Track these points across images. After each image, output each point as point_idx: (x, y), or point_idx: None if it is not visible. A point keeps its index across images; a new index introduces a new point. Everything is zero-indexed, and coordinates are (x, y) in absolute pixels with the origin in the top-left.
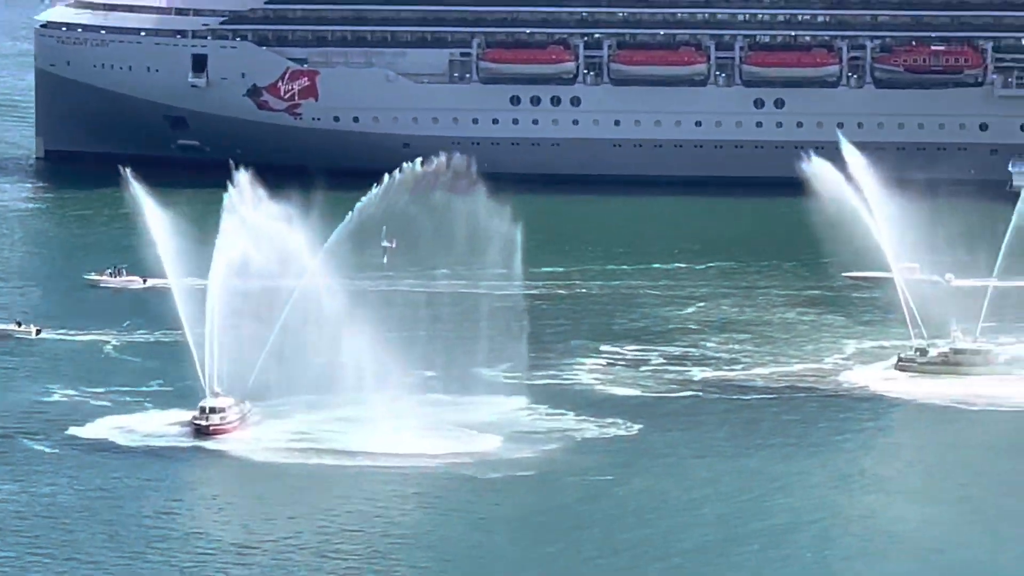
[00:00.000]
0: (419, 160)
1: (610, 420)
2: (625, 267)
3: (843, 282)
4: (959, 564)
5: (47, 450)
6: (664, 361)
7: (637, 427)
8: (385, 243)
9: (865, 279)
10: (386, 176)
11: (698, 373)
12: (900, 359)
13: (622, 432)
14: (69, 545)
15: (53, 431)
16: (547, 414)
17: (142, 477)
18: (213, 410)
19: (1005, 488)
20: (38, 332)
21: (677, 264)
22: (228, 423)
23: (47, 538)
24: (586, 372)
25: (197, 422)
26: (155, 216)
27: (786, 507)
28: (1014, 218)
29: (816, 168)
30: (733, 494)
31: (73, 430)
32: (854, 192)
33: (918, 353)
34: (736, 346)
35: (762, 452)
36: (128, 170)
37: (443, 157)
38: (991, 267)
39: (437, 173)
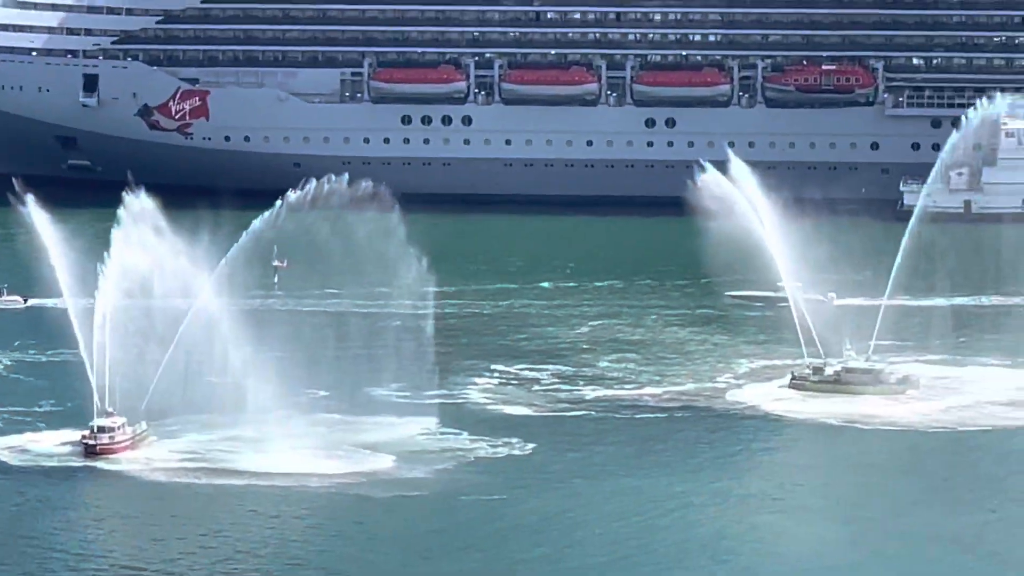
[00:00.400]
0: (322, 181)
1: (503, 439)
2: (517, 286)
3: (732, 301)
4: None
5: None
6: (557, 380)
7: (530, 446)
8: (276, 263)
9: (750, 298)
10: (291, 194)
11: (591, 392)
12: (794, 377)
13: (515, 452)
14: None
15: None
16: (440, 433)
17: (30, 497)
18: (102, 429)
19: (894, 508)
20: None
21: (569, 283)
22: (117, 443)
23: None
24: (479, 391)
25: (85, 441)
26: (48, 234)
27: (678, 526)
28: (905, 238)
29: (708, 179)
30: (625, 514)
31: None
32: (745, 204)
33: (813, 372)
34: (629, 365)
35: (655, 471)
36: (19, 181)
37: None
38: (875, 286)
39: (337, 194)
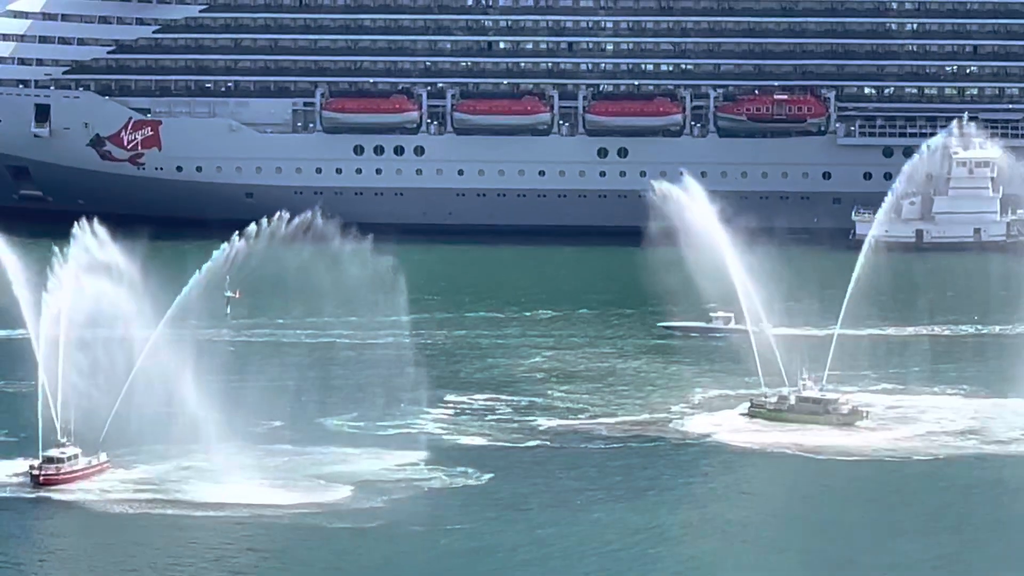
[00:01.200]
0: (282, 216)
1: (459, 469)
2: (470, 315)
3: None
4: None
5: None
6: (511, 410)
7: (486, 477)
8: (228, 293)
9: (681, 329)
10: (254, 226)
11: (545, 422)
12: (752, 405)
13: (471, 482)
14: None
15: None
16: (396, 464)
17: None
18: (50, 460)
19: (842, 537)
20: None
21: (522, 313)
22: (63, 474)
23: None
24: (433, 421)
25: (32, 471)
26: (11, 264)
27: (634, 556)
28: (857, 268)
29: (664, 190)
30: (583, 544)
31: None
32: (698, 216)
33: (779, 400)
34: (583, 395)
35: (611, 502)
36: None
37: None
38: (813, 315)
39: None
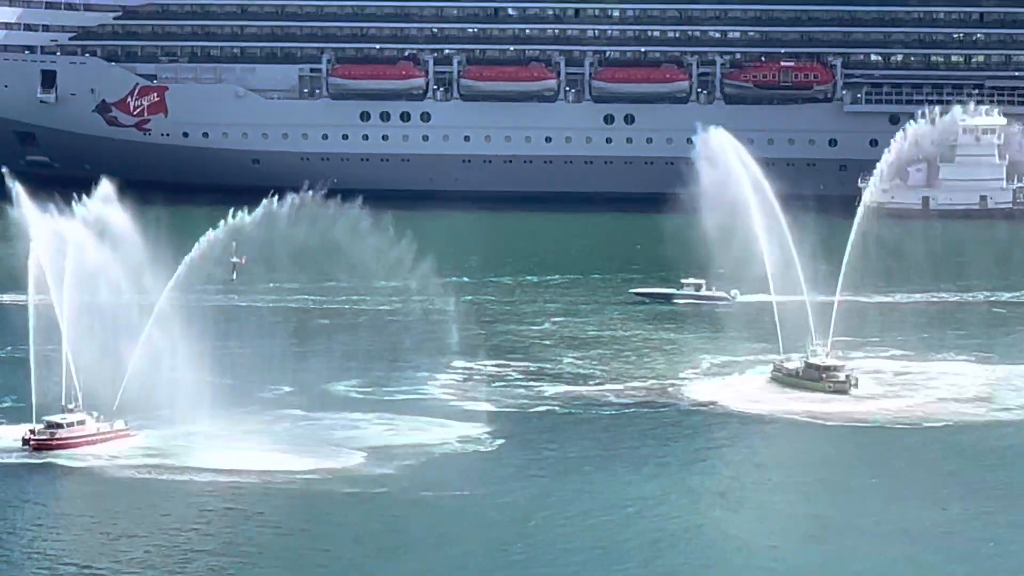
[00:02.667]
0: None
1: (468, 435)
2: (476, 282)
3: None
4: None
5: None
6: (520, 376)
7: (497, 442)
8: (235, 259)
9: (652, 295)
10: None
11: (555, 388)
12: (775, 369)
13: (481, 448)
14: None
15: None
16: (405, 430)
17: None
18: (51, 425)
19: (851, 503)
20: None
21: (530, 279)
22: (57, 439)
23: None
24: (442, 387)
25: (24, 436)
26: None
27: (647, 523)
28: (852, 233)
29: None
30: (593, 510)
31: None
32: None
33: (806, 367)
34: (592, 361)
35: (623, 468)
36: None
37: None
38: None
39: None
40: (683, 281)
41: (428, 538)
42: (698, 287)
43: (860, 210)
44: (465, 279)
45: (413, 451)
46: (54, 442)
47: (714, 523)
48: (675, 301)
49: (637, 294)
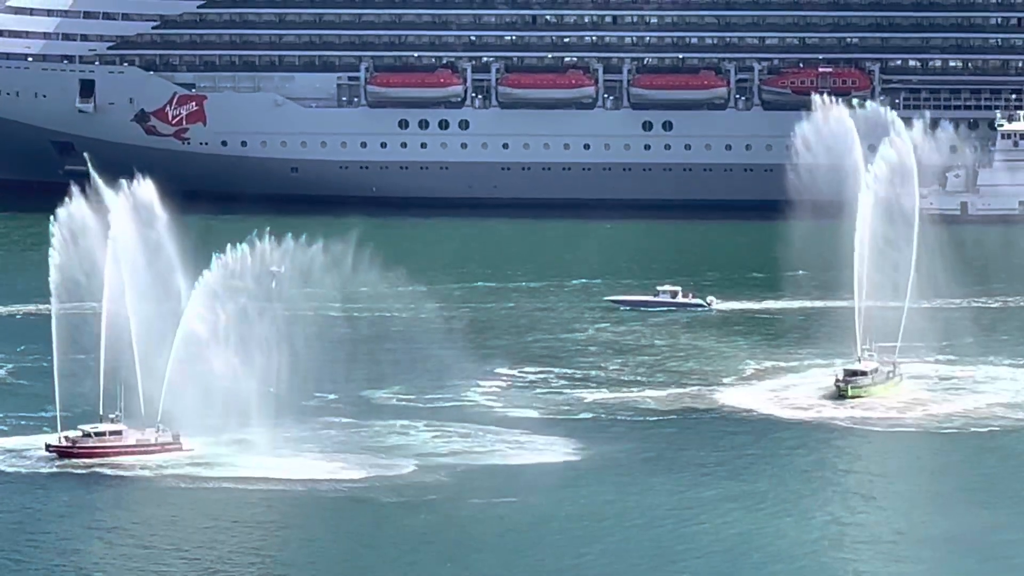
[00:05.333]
0: None
1: (516, 442)
2: (517, 288)
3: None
4: None
5: None
6: (565, 382)
7: (544, 449)
8: (274, 268)
9: (628, 303)
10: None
11: (600, 395)
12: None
13: (529, 455)
14: None
15: None
16: (450, 437)
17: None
18: (92, 434)
19: (905, 509)
20: None
21: (571, 285)
22: (78, 447)
23: None
24: (484, 394)
25: (48, 443)
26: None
27: (698, 532)
28: (915, 240)
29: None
30: (638, 517)
31: None
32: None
33: (874, 372)
34: (638, 368)
35: (676, 474)
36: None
37: None
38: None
39: None
40: (659, 288)
41: (479, 545)
42: (674, 294)
43: (916, 217)
44: (505, 286)
45: (458, 459)
46: (74, 450)
47: (752, 532)
48: (646, 309)
49: (613, 301)
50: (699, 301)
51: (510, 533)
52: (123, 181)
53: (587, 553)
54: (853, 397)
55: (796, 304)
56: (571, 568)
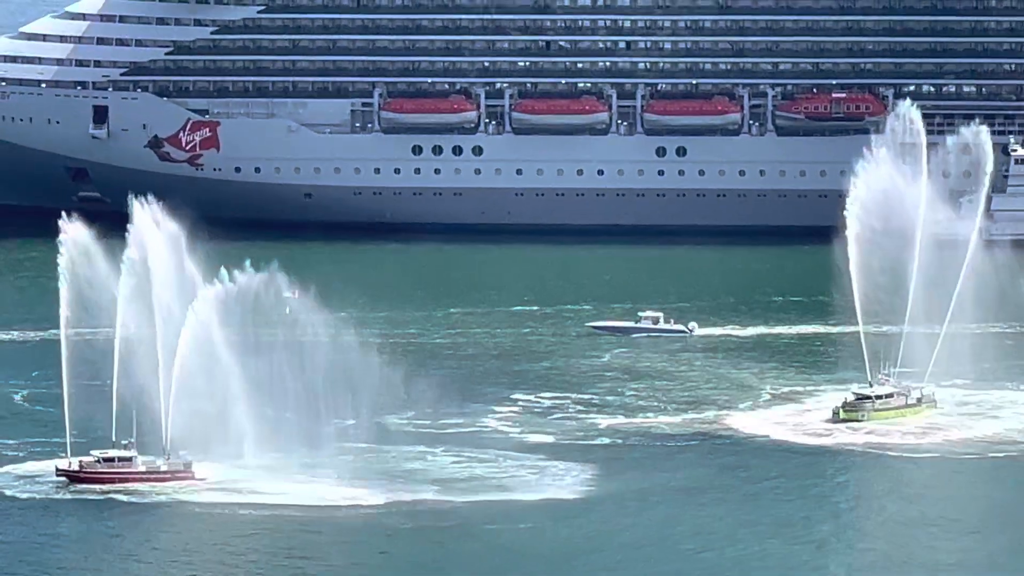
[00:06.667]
0: None
1: (535, 467)
2: (530, 314)
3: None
4: None
5: None
6: (581, 407)
7: (563, 474)
8: (287, 293)
9: (609, 329)
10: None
11: (616, 420)
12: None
13: (548, 480)
14: None
15: None
16: (467, 462)
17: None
18: (99, 459)
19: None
20: None
21: (584, 310)
22: (91, 472)
23: None
24: (500, 419)
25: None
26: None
27: (715, 557)
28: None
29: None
30: (657, 543)
31: None
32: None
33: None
34: (654, 393)
35: (696, 500)
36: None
37: None
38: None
39: None
40: (640, 315)
41: (499, 571)
42: (656, 320)
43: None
44: (518, 311)
45: (475, 484)
46: (82, 475)
47: (767, 554)
48: (632, 335)
49: (594, 327)
50: (680, 327)
51: (528, 560)
52: (141, 201)
53: None
54: (847, 420)
55: (809, 329)
56: None
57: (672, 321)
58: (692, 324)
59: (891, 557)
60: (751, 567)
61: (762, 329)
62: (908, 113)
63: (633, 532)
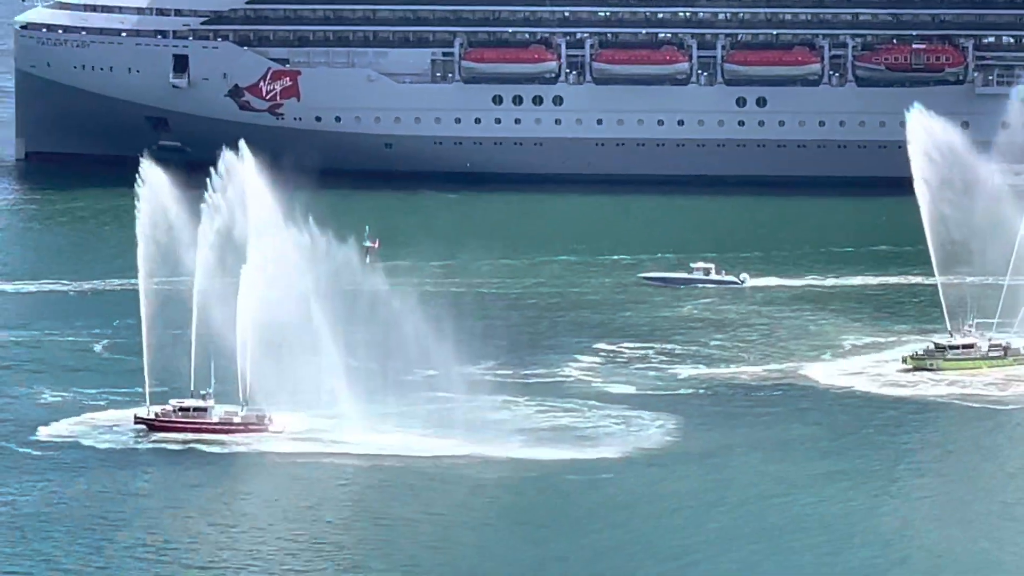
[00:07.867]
0: None
1: (618, 416)
2: (613, 264)
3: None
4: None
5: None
6: (664, 358)
7: (645, 425)
8: (367, 243)
9: (661, 280)
10: None
11: (700, 371)
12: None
13: (631, 430)
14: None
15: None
16: (548, 412)
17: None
18: (175, 409)
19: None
20: None
21: (666, 256)
22: (166, 421)
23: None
24: (582, 370)
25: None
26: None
27: (798, 510)
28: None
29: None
30: (739, 494)
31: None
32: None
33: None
34: (739, 343)
35: (788, 452)
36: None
37: None
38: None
39: None
40: (692, 266)
41: (583, 521)
42: (707, 271)
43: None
44: (601, 261)
45: (557, 435)
46: (157, 423)
47: (848, 510)
48: (682, 287)
49: (645, 279)
50: (732, 278)
51: (613, 510)
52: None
53: (689, 529)
54: (916, 370)
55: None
56: (675, 545)
57: (724, 272)
58: (743, 275)
59: (972, 507)
60: (834, 519)
61: (839, 280)
62: None
63: (719, 485)
